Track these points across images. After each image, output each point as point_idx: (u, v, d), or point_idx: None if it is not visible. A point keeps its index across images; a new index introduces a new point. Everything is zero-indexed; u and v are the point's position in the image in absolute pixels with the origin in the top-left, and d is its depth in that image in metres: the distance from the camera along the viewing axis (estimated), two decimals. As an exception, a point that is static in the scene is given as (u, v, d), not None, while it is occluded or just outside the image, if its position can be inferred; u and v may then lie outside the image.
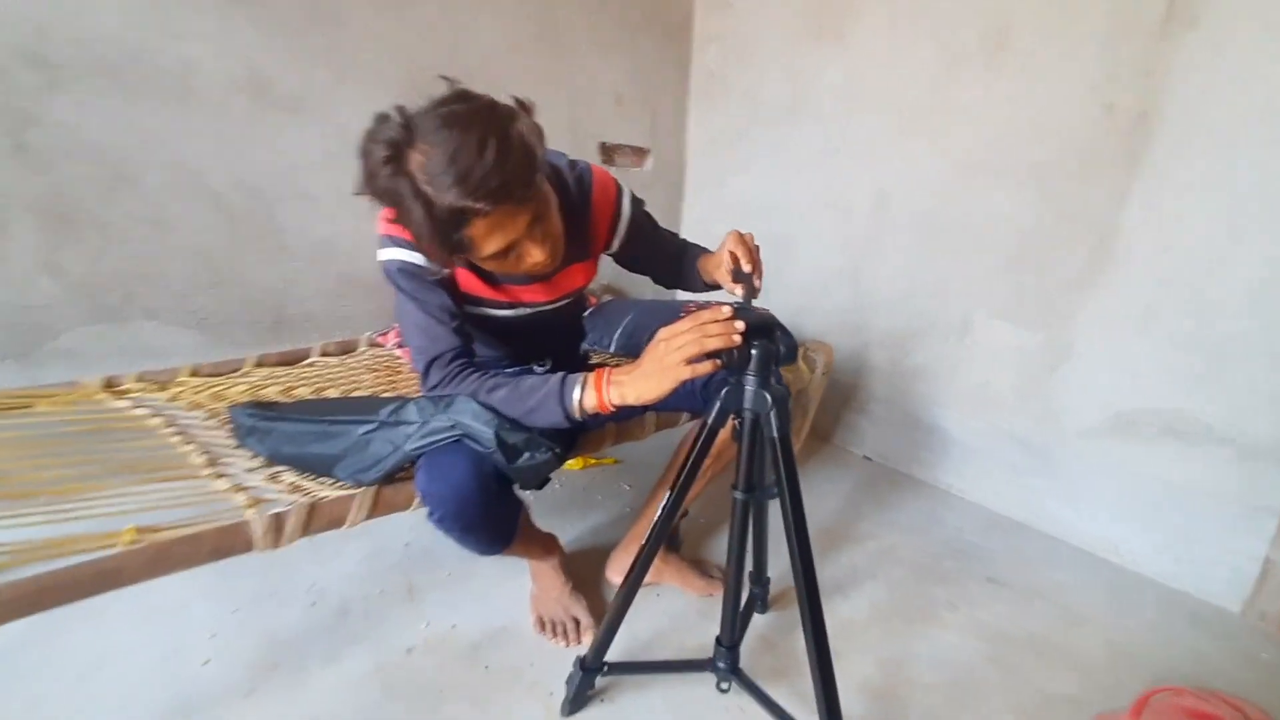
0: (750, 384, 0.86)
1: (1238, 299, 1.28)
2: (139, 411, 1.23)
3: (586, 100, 2.09)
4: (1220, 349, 1.31)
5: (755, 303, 0.93)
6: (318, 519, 0.91)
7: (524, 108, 0.82)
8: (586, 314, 1.71)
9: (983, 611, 1.31)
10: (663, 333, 0.83)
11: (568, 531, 1.49)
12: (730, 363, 0.83)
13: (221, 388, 1.36)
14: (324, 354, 1.57)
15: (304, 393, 1.36)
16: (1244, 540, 1.33)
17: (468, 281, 0.98)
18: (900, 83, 1.72)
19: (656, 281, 1.25)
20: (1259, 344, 1.27)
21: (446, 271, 0.94)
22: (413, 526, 1.44)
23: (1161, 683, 1.13)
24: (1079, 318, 1.51)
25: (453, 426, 0.89)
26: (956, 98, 1.61)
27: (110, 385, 1.32)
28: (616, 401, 0.86)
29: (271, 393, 1.35)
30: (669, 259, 1.19)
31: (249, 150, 1.54)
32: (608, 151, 2.22)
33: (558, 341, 1.23)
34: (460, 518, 0.88)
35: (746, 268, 0.97)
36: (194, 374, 1.40)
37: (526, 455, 0.89)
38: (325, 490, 0.99)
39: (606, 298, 1.91)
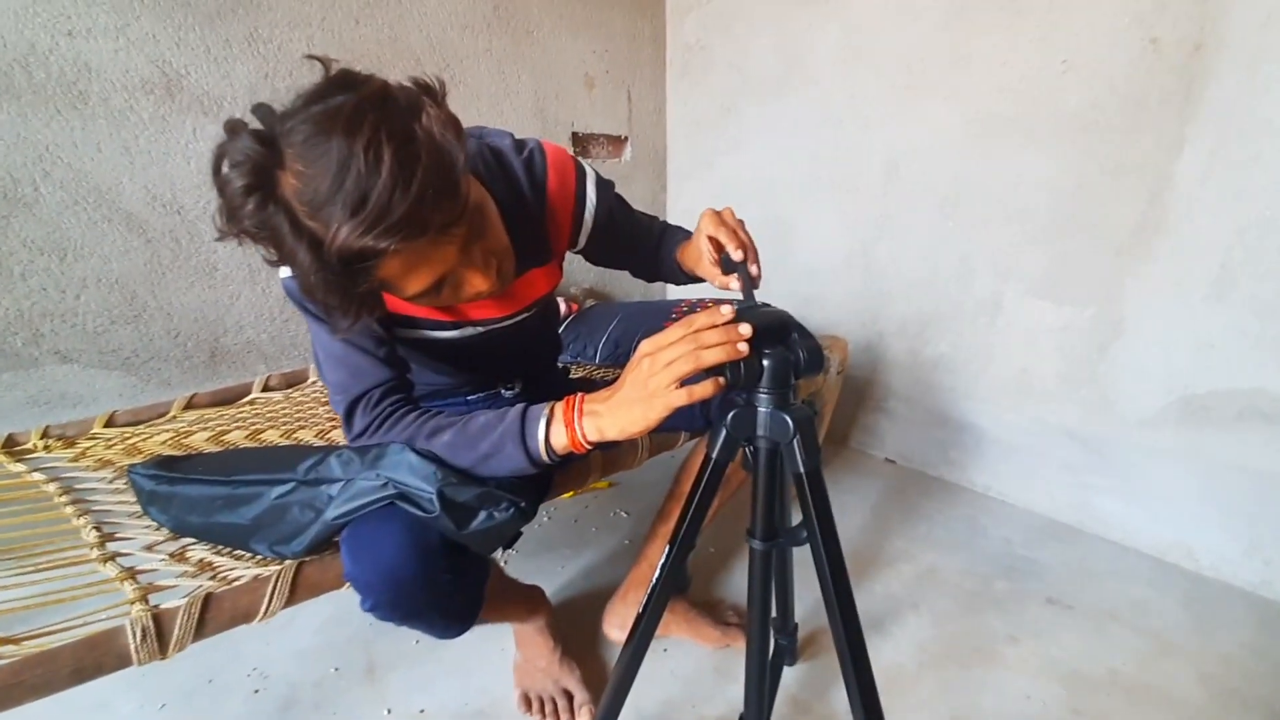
0: (764, 405, 0.66)
1: (1332, 254, 1.08)
2: (35, 476, 1.03)
3: (553, 84, 1.89)
4: (1312, 315, 1.11)
5: (758, 296, 0.73)
6: (217, 616, 0.70)
7: (428, 91, 0.60)
8: (565, 322, 1.51)
9: (1051, 645, 1.11)
10: (645, 345, 0.63)
11: (557, 576, 1.29)
12: (736, 380, 0.63)
13: (140, 439, 1.16)
14: (267, 389, 1.37)
15: (237, 437, 1.16)
16: (1352, 539, 1.13)
17: (394, 299, 0.76)
18: (904, 35, 1.51)
19: (635, 275, 1.04)
20: (1361, 306, 1.07)
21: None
22: (378, 582, 1.24)
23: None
24: (1130, 289, 1.31)
25: (385, 485, 0.68)
26: (972, 45, 1.41)
27: (10, 445, 1.12)
28: (594, 438, 0.65)
29: (199, 440, 1.15)
30: (648, 250, 0.98)
31: (162, 160, 1.34)
32: (581, 142, 2.02)
33: (525, 361, 1.01)
34: (399, 606, 0.68)
35: (736, 255, 0.77)
36: (109, 424, 1.20)
37: (482, 516, 0.69)
38: (241, 568, 0.78)
39: (589, 302, 1.70)
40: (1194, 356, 1.25)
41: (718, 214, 0.80)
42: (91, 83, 1.25)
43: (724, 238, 0.77)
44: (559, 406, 0.67)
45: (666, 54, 2.09)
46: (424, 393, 0.92)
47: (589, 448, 0.67)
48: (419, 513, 0.67)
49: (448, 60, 1.67)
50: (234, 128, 0.56)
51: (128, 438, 1.16)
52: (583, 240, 0.90)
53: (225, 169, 0.55)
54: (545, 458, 0.67)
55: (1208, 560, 1.29)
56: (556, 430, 0.67)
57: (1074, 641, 1.11)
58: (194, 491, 0.83)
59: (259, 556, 0.80)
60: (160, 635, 0.67)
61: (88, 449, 1.12)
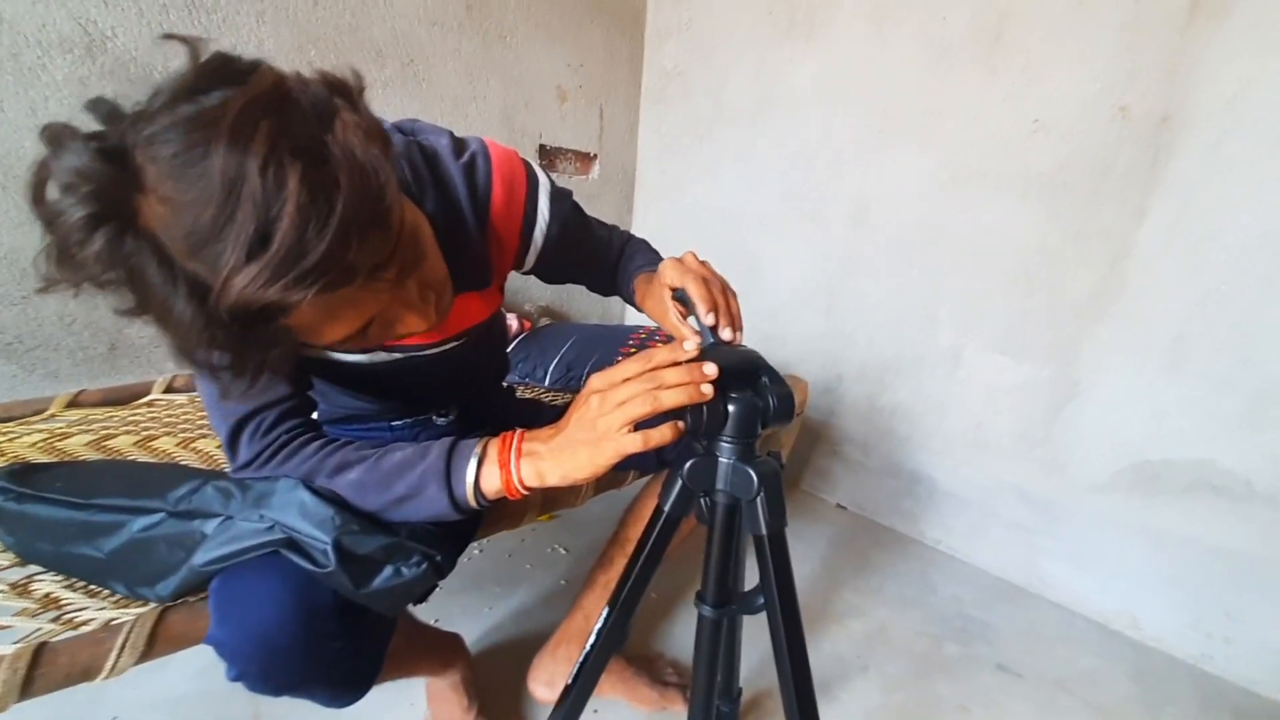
0: (726, 456, 0.59)
1: (1285, 333, 1.09)
2: None
3: (524, 93, 1.82)
4: (1264, 392, 1.12)
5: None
6: (49, 674, 0.57)
7: (341, 90, 0.45)
8: (516, 340, 1.42)
9: (1002, 716, 1.06)
10: (596, 380, 0.55)
11: (483, 619, 1.17)
12: (698, 426, 0.55)
13: (5, 439, 1.00)
14: (170, 390, 1.22)
15: (124, 443, 1.02)
16: (1293, 618, 1.12)
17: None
18: (882, 80, 1.50)
19: (591, 290, 0.95)
20: (1310, 387, 1.08)
21: None
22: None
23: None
24: (1088, 351, 1.31)
25: (270, 529, 0.57)
26: (947, 97, 1.41)
27: None
28: (532, 483, 0.56)
29: (76, 444, 1.00)
30: (605, 270, 0.90)
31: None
32: (548, 156, 1.94)
33: (458, 389, 0.86)
34: (272, 678, 0.56)
35: (707, 319, 0.64)
36: (-29, 419, 1.04)
37: (388, 572, 0.58)
38: (95, 609, 0.65)
39: (543, 321, 1.62)
40: (1147, 424, 1.25)
41: (679, 261, 0.69)
42: (1, 34, 1.10)
43: (692, 290, 0.65)
44: (493, 445, 0.58)
45: (643, 76, 2.05)
46: (338, 415, 0.79)
47: (525, 494, 0.57)
48: (309, 566, 0.56)
49: (412, 56, 1.58)
50: (59, 136, 0.41)
51: (-9, 436, 1.00)
52: (530, 261, 0.78)
53: (53, 195, 0.41)
54: (473, 503, 0.58)
55: (1151, 630, 1.28)
56: (489, 472, 0.57)
57: (1024, 712, 1.07)
58: (46, 513, 0.69)
59: (119, 596, 0.67)
60: (-35, 699, 0.53)
61: (-63, 447, 0.96)
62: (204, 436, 1.07)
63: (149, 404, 1.18)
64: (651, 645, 1.15)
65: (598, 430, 0.53)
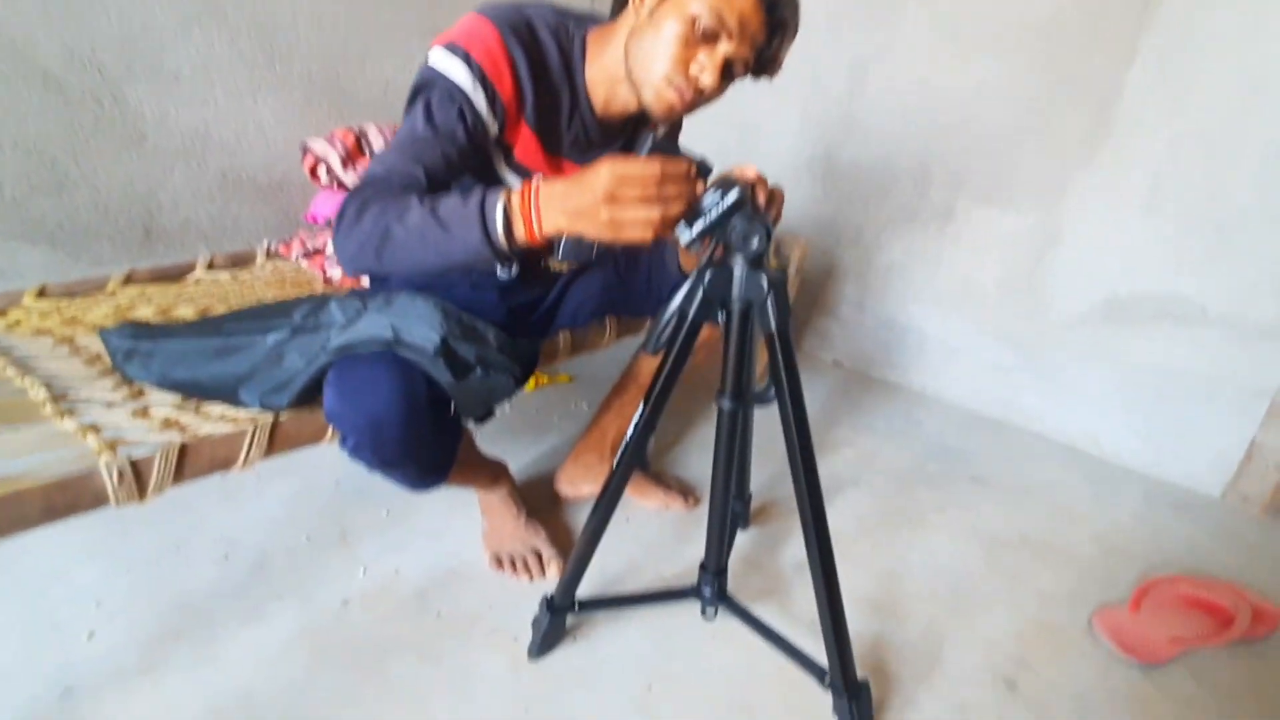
0: (739, 267, 0.69)
1: (1253, 168, 1.17)
2: (-36, 342, 0.96)
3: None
4: (1228, 225, 1.21)
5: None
6: (195, 463, 0.70)
7: None
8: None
9: (972, 514, 1.24)
10: (614, 167, 0.58)
11: (520, 458, 1.33)
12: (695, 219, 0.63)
13: (77, 311, 1.10)
14: (211, 267, 1.30)
15: (185, 313, 1.11)
16: (1232, 424, 1.28)
17: (526, 149, 0.71)
18: (883, -74, 1.47)
19: None
20: (1269, 218, 1.17)
21: (494, 128, 0.76)
22: (343, 462, 1.24)
23: (1155, 573, 1.09)
24: (1071, 198, 1.38)
25: (387, 328, 0.68)
26: (948, -58, 1.39)
27: (-72, 315, 1.04)
28: (548, 230, 0.62)
29: (143, 315, 1.10)
30: None
31: (80, 15, 1.19)
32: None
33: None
34: (380, 448, 0.70)
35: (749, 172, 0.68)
36: (41, 295, 1.13)
37: (478, 374, 0.70)
38: (209, 425, 0.78)
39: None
40: (1121, 263, 1.35)
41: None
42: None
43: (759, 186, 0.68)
44: (515, 195, 0.64)
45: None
46: None
47: (542, 241, 0.64)
48: (413, 357, 0.68)
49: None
50: None
51: (64, 310, 1.10)
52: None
53: None
54: (504, 244, 0.63)
55: (1111, 447, 1.45)
56: (517, 221, 0.63)
57: (992, 511, 1.25)
58: (179, 345, 0.81)
59: (239, 411, 0.80)
60: (139, 477, 0.67)
61: (20, 320, 1.06)
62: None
63: (195, 281, 1.27)
64: (664, 468, 1.32)
65: (602, 221, 0.59)
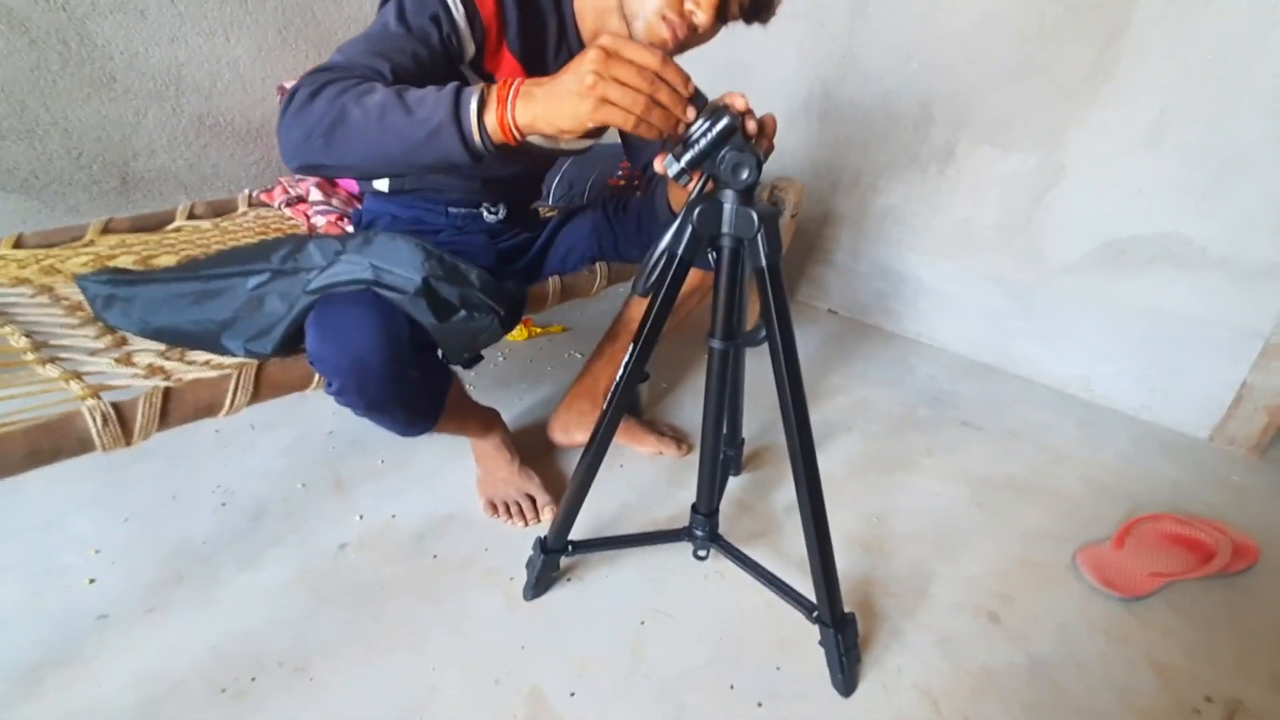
0: (729, 201, 0.67)
1: (1260, 99, 1.13)
2: (-59, 292, 0.95)
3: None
4: (1230, 160, 1.18)
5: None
6: (179, 407, 0.70)
7: None
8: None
9: (961, 456, 1.25)
10: (606, 39, 0.54)
11: (513, 406, 1.33)
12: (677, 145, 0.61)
13: (54, 260, 1.07)
14: (192, 216, 1.27)
15: (168, 261, 1.09)
16: (1223, 366, 1.28)
17: (509, 78, 0.61)
18: None
19: None
20: (1274, 152, 1.14)
21: (471, 48, 0.74)
22: (336, 412, 1.25)
23: (1140, 512, 1.11)
24: (1074, 136, 1.35)
25: (367, 269, 0.67)
26: None
27: (-98, 264, 1.02)
28: (524, 123, 0.57)
29: (123, 264, 1.08)
30: None
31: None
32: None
33: (520, 184, 1.01)
34: (365, 391, 0.69)
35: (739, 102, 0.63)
36: (17, 245, 1.10)
37: (462, 315, 0.69)
38: (195, 371, 0.77)
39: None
40: (1122, 203, 1.32)
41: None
42: None
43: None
44: (495, 87, 0.59)
45: None
46: (409, 187, 0.93)
47: (519, 137, 0.59)
48: (395, 296, 0.66)
49: None
50: None
51: (41, 259, 1.07)
52: None
53: None
54: (477, 138, 0.58)
55: (1101, 391, 1.46)
56: (490, 111, 0.58)
57: (981, 453, 1.26)
58: (159, 291, 0.79)
59: (224, 357, 0.79)
60: (123, 421, 0.66)
61: (-3, 269, 1.04)
62: (239, 253, 1.14)
63: (176, 229, 1.24)
64: (656, 415, 1.33)
65: (586, 84, 0.53)
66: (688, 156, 0.62)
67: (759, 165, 0.64)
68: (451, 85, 0.59)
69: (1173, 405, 1.37)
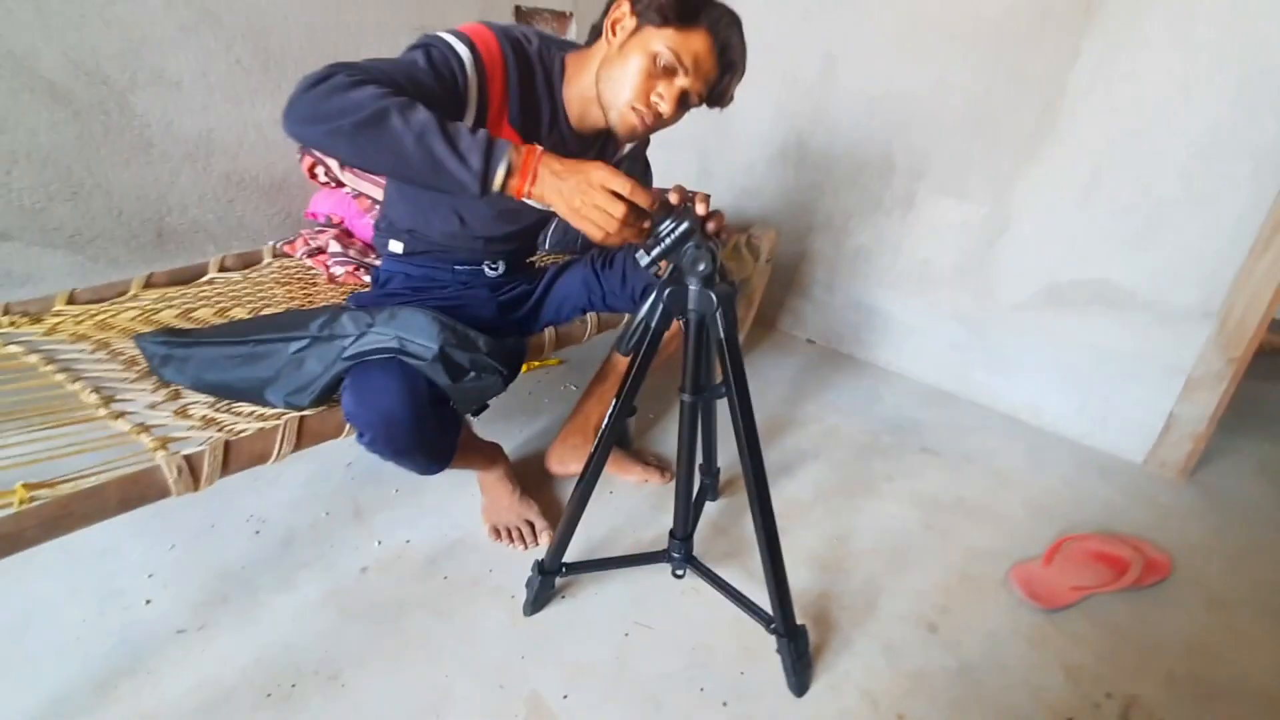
0: (694, 284, 0.81)
1: (1180, 163, 1.28)
2: (11, 349, 1.08)
3: (495, -48, 1.81)
4: (1154, 216, 1.33)
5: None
6: (237, 458, 0.83)
7: None
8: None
9: (918, 481, 1.39)
10: (609, 171, 0.70)
11: (515, 436, 1.47)
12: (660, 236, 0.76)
13: (106, 315, 1.21)
14: (223, 269, 1.41)
15: (205, 314, 1.23)
16: (1154, 398, 1.42)
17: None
18: (848, -74, 1.53)
19: None
20: (1192, 210, 1.29)
21: (472, 112, 0.85)
22: (354, 447, 1.38)
23: (1074, 530, 1.24)
24: (1019, 190, 1.49)
25: (392, 339, 0.81)
26: (908, -56, 1.46)
27: (-30, 320, 1.15)
28: (535, 190, 0.71)
29: (167, 317, 1.21)
30: None
31: (80, 24, 1.27)
32: (525, 17, 1.96)
33: (520, 241, 1.13)
34: (392, 442, 0.83)
35: (700, 208, 0.78)
36: (71, 301, 1.24)
37: (471, 376, 0.83)
38: (242, 422, 0.91)
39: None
40: (1061, 251, 1.47)
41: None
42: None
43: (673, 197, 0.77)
44: (523, 153, 0.71)
45: (613, -77, 2.00)
46: (420, 249, 1.06)
47: (524, 196, 0.72)
48: (416, 363, 0.81)
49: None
50: None
51: (95, 315, 1.21)
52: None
53: None
54: (495, 185, 0.70)
55: (1049, 418, 1.60)
56: (514, 178, 0.70)
57: (936, 478, 1.40)
58: (211, 352, 0.93)
59: (266, 410, 0.93)
60: (193, 471, 0.80)
61: (57, 324, 1.17)
62: (268, 306, 1.28)
63: (209, 282, 1.38)
64: (644, 445, 1.46)
65: (574, 205, 0.70)
66: (655, 251, 0.76)
67: (714, 259, 0.78)
68: (483, 133, 0.69)
69: (1111, 432, 1.51)
